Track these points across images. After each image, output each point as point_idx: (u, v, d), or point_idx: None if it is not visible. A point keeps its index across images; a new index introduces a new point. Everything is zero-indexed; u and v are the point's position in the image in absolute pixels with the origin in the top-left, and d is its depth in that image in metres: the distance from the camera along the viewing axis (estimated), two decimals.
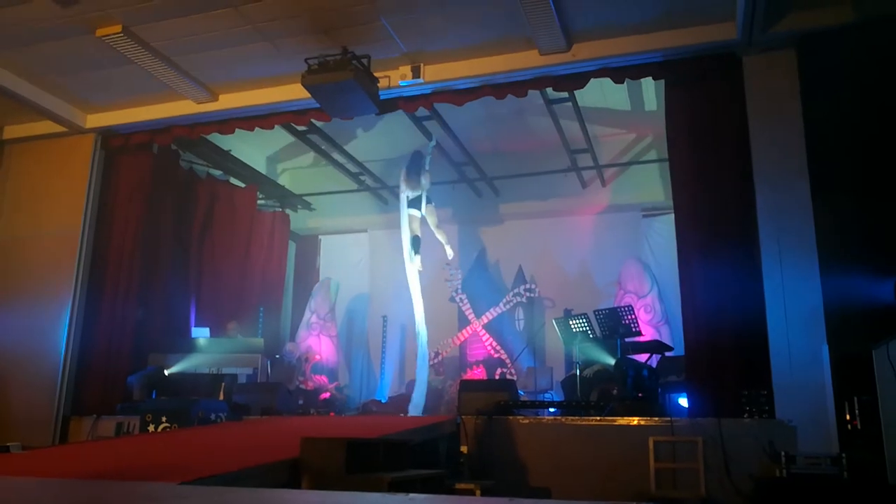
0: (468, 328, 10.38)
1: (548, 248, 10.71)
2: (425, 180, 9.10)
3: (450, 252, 9.58)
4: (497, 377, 9.59)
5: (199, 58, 7.38)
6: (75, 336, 8.08)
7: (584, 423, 5.99)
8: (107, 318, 8.25)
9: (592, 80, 7.29)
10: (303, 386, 9.65)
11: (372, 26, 6.81)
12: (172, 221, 9.24)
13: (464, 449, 5.91)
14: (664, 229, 9.79)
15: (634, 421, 5.84)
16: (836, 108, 6.14)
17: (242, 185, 10.65)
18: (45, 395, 7.79)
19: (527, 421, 6.15)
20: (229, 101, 8.10)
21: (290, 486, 3.59)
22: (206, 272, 9.90)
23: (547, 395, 9.02)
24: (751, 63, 6.63)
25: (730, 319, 6.29)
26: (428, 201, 9.24)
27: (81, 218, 8.34)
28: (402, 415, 8.39)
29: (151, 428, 6.30)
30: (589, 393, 7.18)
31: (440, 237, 9.45)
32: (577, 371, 7.32)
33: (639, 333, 7.34)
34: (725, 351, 6.25)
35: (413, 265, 8.94)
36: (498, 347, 10.14)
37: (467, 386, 6.92)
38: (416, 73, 7.35)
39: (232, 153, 10.09)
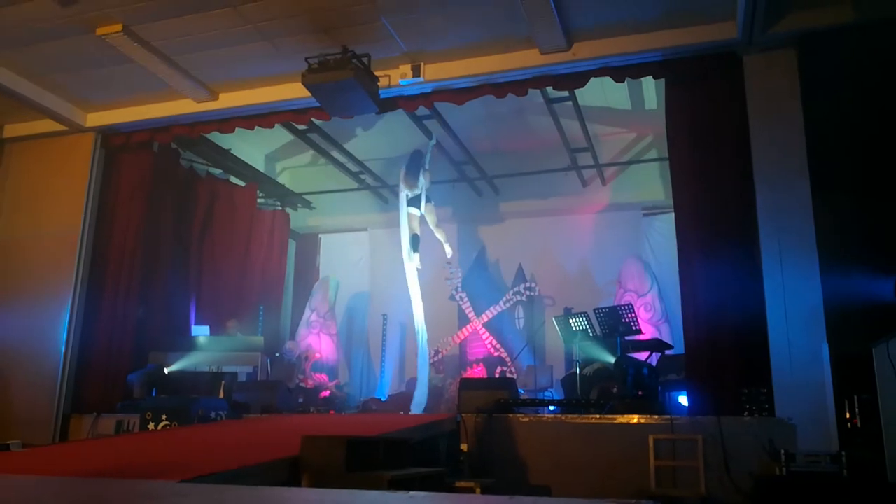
0: (468, 326, 10.38)
1: (548, 247, 10.71)
2: (425, 179, 9.11)
3: (449, 250, 9.58)
4: (497, 375, 9.60)
5: (199, 57, 7.39)
6: (75, 334, 8.09)
7: (584, 421, 5.99)
8: (107, 316, 8.26)
9: (593, 79, 7.29)
10: (303, 384, 9.66)
11: (372, 25, 6.81)
12: (172, 220, 9.24)
13: (464, 447, 5.91)
14: (664, 228, 9.80)
15: (634, 419, 5.85)
16: (836, 107, 6.14)
17: (242, 184, 10.65)
18: (45, 393, 7.80)
19: (527, 419, 6.16)
20: (229, 100, 8.10)
21: (290, 484, 3.60)
22: (207, 271, 9.90)
23: (547, 394, 9.02)
24: (751, 62, 6.63)
25: (730, 318, 6.29)
26: (427, 200, 9.24)
27: (81, 216, 8.34)
28: (401, 413, 8.40)
29: (151, 426, 6.31)
30: (589, 391, 7.18)
31: (439, 236, 9.45)
32: (577, 369, 7.33)
33: (639, 332, 7.35)
34: (725, 349, 6.26)
35: (412, 264, 8.94)
36: (498, 346, 10.14)
37: (467, 384, 6.92)
38: (416, 72, 7.35)
39: (232, 152, 10.08)
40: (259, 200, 10.94)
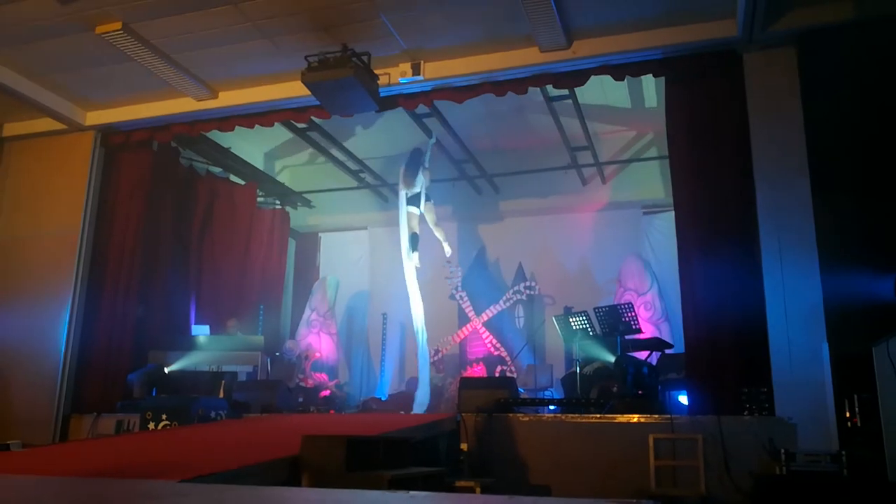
0: (468, 326, 10.38)
1: (548, 246, 10.71)
2: (425, 177, 9.10)
3: (448, 249, 9.58)
4: (497, 375, 9.60)
5: (199, 55, 7.38)
6: (75, 334, 8.08)
7: (584, 420, 5.99)
8: (107, 315, 8.25)
9: (593, 78, 7.28)
10: (303, 383, 9.66)
11: (372, 23, 6.80)
12: (172, 219, 9.23)
13: (464, 446, 5.91)
14: (664, 226, 9.79)
15: (634, 418, 5.85)
16: (836, 105, 6.13)
17: (242, 183, 10.64)
18: (45, 393, 7.80)
19: (527, 418, 6.16)
20: (229, 98, 8.09)
21: (290, 483, 3.60)
22: (206, 270, 9.89)
23: (547, 393, 9.02)
24: (751, 60, 6.62)
25: (730, 317, 6.29)
26: (427, 199, 9.23)
27: (81, 215, 8.33)
28: (402, 412, 8.39)
29: (151, 426, 6.30)
30: (589, 390, 7.18)
31: (438, 235, 9.44)
32: (578, 368, 7.33)
33: (639, 331, 7.34)
34: (725, 348, 6.25)
35: (411, 262, 8.93)
36: (498, 345, 10.14)
37: (467, 383, 6.92)
38: (416, 70, 7.35)
39: (232, 150, 10.07)
40: (259, 199, 10.93)
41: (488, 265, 11.12)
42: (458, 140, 9.75)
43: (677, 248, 6.85)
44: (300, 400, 8.80)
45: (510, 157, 10.56)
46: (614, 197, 10.63)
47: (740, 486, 5.38)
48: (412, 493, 2.72)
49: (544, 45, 6.94)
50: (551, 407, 7.01)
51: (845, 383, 5.33)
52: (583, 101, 8.65)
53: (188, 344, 8.40)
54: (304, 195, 11.75)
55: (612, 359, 7.00)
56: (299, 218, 11.98)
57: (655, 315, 9.49)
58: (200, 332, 9.01)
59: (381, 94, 7.36)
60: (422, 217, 9.22)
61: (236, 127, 8.38)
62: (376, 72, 7.16)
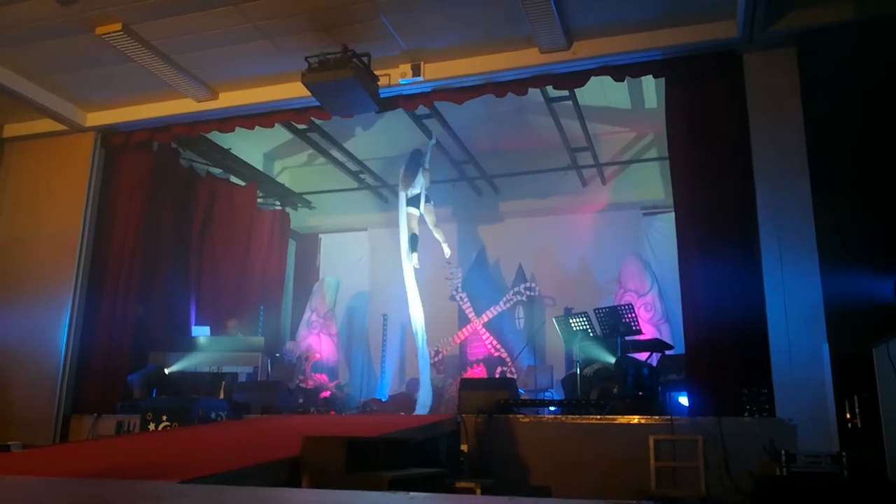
0: (468, 327, 10.38)
1: (548, 247, 10.71)
2: (425, 178, 9.10)
3: (447, 251, 9.57)
4: (497, 376, 9.59)
5: (199, 56, 7.38)
6: (75, 335, 8.08)
7: (584, 421, 5.99)
8: (107, 316, 8.25)
9: (593, 79, 7.28)
10: (303, 384, 9.65)
11: (372, 24, 6.80)
12: (172, 220, 9.24)
13: (464, 447, 5.91)
14: (664, 227, 9.79)
15: (635, 419, 5.85)
16: (836, 106, 6.13)
17: (242, 184, 10.64)
18: (45, 393, 7.79)
19: (527, 419, 6.16)
20: (229, 99, 8.09)
21: (291, 484, 3.59)
22: (207, 271, 9.89)
23: (547, 394, 9.02)
24: (751, 61, 6.62)
25: (730, 317, 6.29)
26: (427, 200, 9.22)
27: (81, 216, 8.33)
28: (402, 413, 8.39)
29: (152, 426, 6.30)
30: (589, 391, 7.17)
31: (438, 236, 9.44)
32: (578, 369, 7.32)
33: (639, 332, 7.34)
34: (725, 349, 6.25)
35: (410, 263, 8.93)
36: (498, 346, 10.13)
37: (467, 384, 6.92)
38: (416, 71, 7.35)
39: (232, 151, 10.08)
40: (259, 200, 10.94)
41: (488, 266, 11.12)
42: (458, 141, 9.75)
43: (677, 249, 6.84)
44: (300, 401, 8.80)
45: (510, 158, 10.56)
46: (614, 198, 10.63)
47: (741, 487, 5.37)
48: (412, 494, 2.72)
49: (544, 46, 6.95)
50: (551, 408, 7.00)
51: (846, 384, 5.33)
52: (583, 102, 8.65)
53: (188, 345, 8.40)
54: (305, 196, 11.76)
55: (612, 360, 7.01)
56: (299, 219, 11.98)
57: (656, 316, 9.49)
58: (201, 332, 9.01)
59: (381, 95, 7.36)
60: (421, 218, 9.21)
61: (236, 128, 8.38)
62: (376, 73, 7.17)
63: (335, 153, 10.43)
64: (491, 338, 10.20)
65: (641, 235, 10.43)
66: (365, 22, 6.77)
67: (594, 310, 7.48)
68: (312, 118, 8.36)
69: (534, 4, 6.31)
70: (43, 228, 8.43)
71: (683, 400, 6.86)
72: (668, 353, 7.60)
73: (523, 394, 8.36)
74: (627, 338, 7.28)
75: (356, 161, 10.65)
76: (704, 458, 5.54)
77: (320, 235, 12.37)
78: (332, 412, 8.80)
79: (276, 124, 8.54)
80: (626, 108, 9.58)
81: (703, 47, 6.73)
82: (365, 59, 6.99)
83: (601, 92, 8.88)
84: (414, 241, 9.03)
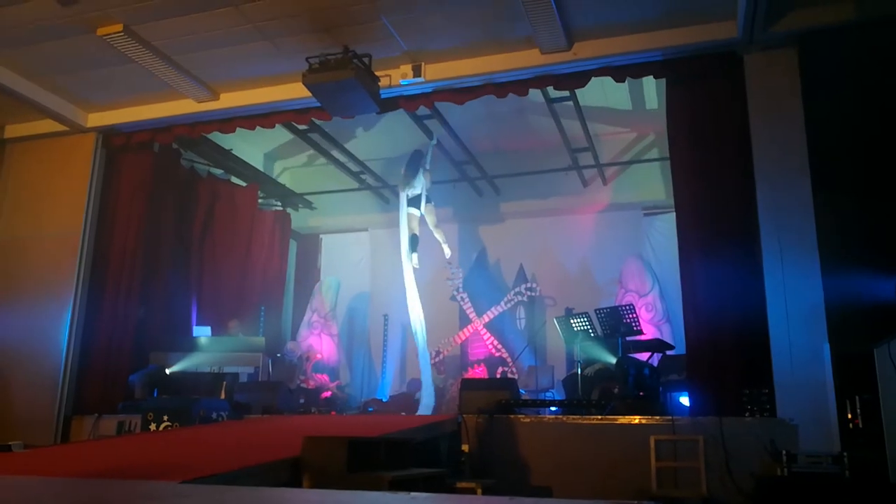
0: (469, 327, 10.38)
1: (549, 247, 10.71)
2: (426, 179, 9.10)
3: (447, 251, 9.58)
4: (498, 376, 9.59)
5: (200, 57, 7.39)
6: (77, 335, 8.08)
7: (585, 421, 5.99)
8: (108, 316, 8.26)
9: (593, 79, 7.28)
10: (304, 385, 9.66)
11: (372, 25, 6.81)
12: (174, 220, 9.24)
13: (465, 448, 5.91)
14: (665, 228, 9.79)
15: (636, 419, 5.85)
16: (836, 106, 6.13)
17: (243, 184, 10.65)
18: (46, 394, 7.80)
19: (528, 420, 6.16)
20: (230, 99, 8.10)
21: (291, 485, 3.60)
22: (208, 271, 9.90)
23: (548, 394, 9.02)
24: (752, 61, 6.62)
25: (731, 318, 6.29)
26: (428, 200, 9.23)
27: (83, 217, 8.34)
28: (403, 413, 8.39)
29: (153, 427, 6.31)
30: (590, 392, 7.17)
31: (438, 236, 9.44)
32: (579, 370, 7.32)
33: (640, 332, 7.34)
34: (726, 349, 6.25)
35: (410, 264, 8.93)
36: (499, 346, 10.14)
37: (468, 385, 6.92)
38: (416, 71, 7.35)
39: (233, 152, 10.08)
40: (260, 201, 10.94)
41: (489, 266, 11.12)
42: (459, 141, 9.76)
43: (678, 249, 6.84)
44: (301, 401, 8.81)
45: (511, 158, 10.56)
46: (615, 198, 10.63)
47: (741, 488, 5.37)
48: (413, 494, 2.72)
49: (545, 47, 6.95)
50: (552, 408, 7.00)
51: (847, 384, 5.32)
52: (583, 102, 8.65)
53: (189, 345, 8.40)
54: (306, 197, 11.76)
55: (613, 360, 7.01)
56: (300, 219, 11.99)
57: (656, 316, 9.49)
58: (202, 333, 9.01)
59: (382, 96, 7.36)
60: (422, 219, 9.22)
61: (237, 128, 8.38)
62: (377, 73, 7.17)
63: (336, 154, 10.44)
64: (492, 338, 10.20)
65: (642, 236, 10.43)
66: (366, 23, 6.78)
67: (595, 310, 7.48)
68: (313, 119, 8.36)
69: (534, 5, 6.32)
70: (44, 229, 8.43)
71: (684, 400, 6.86)
72: (668, 353, 7.60)
73: (524, 394, 8.37)
74: (628, 338, 7.28)
75: (357, 161, 10.66)
76: (705, 459, 5.54)
77: (321, 236, 12.37)
78: (333, 412, 8.81)
79: (276, 125, 8.55)
80: (627, 108, 9.58)
81: (704, 48, 6.73)
82: (366, 60, 6.99)
83: (602, 92, 8.88)
84: (414, 242, 9.03)
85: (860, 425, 5.09)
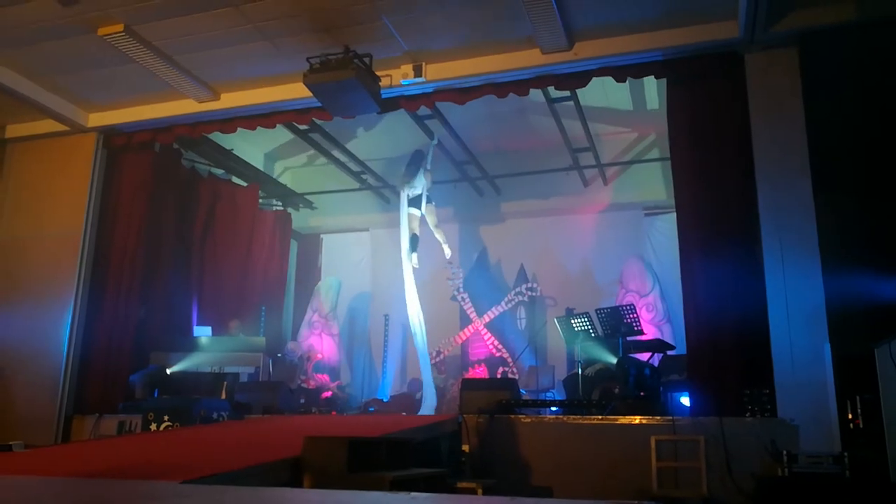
0: (470, 327, 10.38)
1: (549, 247, 10.71)
2: (426, 179, 9.10)
3: (447, 251, 9.59)
4: (499, 376, 9.60)
5: (201, 57, 7.39)
6: (77, 335, 8.09)
7: (585, 421, 5.99)
8: (109, 316, 8.26)
9: (594, 79, 7.28)
10: (304, 385, 9.66)
11: (373, 25, 6.81)
12: (174, 220, 9.25)
13: (465, 448, 5.91)
14: (666, 228, 9.79)
15: (636, 420, 5.84)
16: (837, 106, 6.12)
17: (244, 184, 10.65)
18: (47, 394, 7.80)
19: (528, 420, 6.15)
20: (231, 100, 8.10)
21: (292, 484, 3.60)
22: (208, 271, 9.91)
23: (549, 394, 9.02)
24: (752, 61, 6.62)
25: (731, 318, 6.28)
26: (428, 200, 9.24)
27: (83, 217, 8.34)
28: (403, 413, 8.39)
29: (153, 427, 6.31)
30: (591, 392, 7.17)
31: (438, 236, 9.45)
32: (579, 370, 7.32)
33: (640, 332, 7.34)
34: (727, 350, 6.24)
35: (409, 263, 8.93)
36: (500, 346, 10.14)
37: (469, 385, 6.92)
38: (417, 71, 7.35)
39: (234, 152, 10.09)
40: (260, 200, 10.95)
41: (490, 266, 11.12)
42: (460, 141, 9.76)
43: (679, 250, 6.84)
44: (302, 401, 8.82)
45: (512, 158, 10.56)
46: (616, 198, 10.63)
47: (742, 488, 5.37)
48: (413, 494, 2.72)
49: (546, 47, 6.95)
50: (553, 408, 7.00)
51: (847, 384, 5.32)
52: (584, 102, 8.65)
53: (190, 345, 8.41)
54: (306, 196, 11.77)
55: (613, 360, 7.01)
56: (301, 219, 11.99)
57: (657, 316, 9.49)
58: (202, 333, 9.02)
59: (383, 96, 7.36)
60: (423, 219, 9.22)
61: (238, 128, 8.38)
62: (378, 73, 7.16)
63: (337, 154, 10.44)
64: (492, 338, 10.20)
65: (643, 236, 10.43)
66: (366, 23, 6.78)
67: (596, 310, 7.48)
68: (314, 119, 8.37)
69: (535, 5, 6.31)
70: (45, 229, 8.44)
71: (685, 400, 6.85)
72: (669, 353, 7.59)
73: (525, 394, 8.37)
74: (629, 338, 7.28)
75: (358, 161, 10.66)
76: (706, 459, 5.53)
77: (322, 236, 12.38)
78: (334, 412, 8.81)
79: (277, 125, 8.55)
80: (628, 108, 9.57)
81: (705, 48, 6.72)
82: (366, 60, 6.99)
83: (603, 92, 8.88)
84: (414, 242, 9.03)
85: (861, 425, 5.09)
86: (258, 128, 8.46)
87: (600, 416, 6.02)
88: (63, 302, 8.10)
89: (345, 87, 6.84)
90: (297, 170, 11.80)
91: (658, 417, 5.89)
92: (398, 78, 7.43)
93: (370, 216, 11.82)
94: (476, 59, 7.27)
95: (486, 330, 10.28)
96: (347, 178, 11.20)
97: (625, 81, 7.60)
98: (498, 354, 10.09)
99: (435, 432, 5.59)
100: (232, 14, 6.63)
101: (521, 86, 7.38)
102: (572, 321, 7.54)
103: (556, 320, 7.88)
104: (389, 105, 7.72)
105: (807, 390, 5.67)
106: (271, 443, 4.86)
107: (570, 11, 6.52)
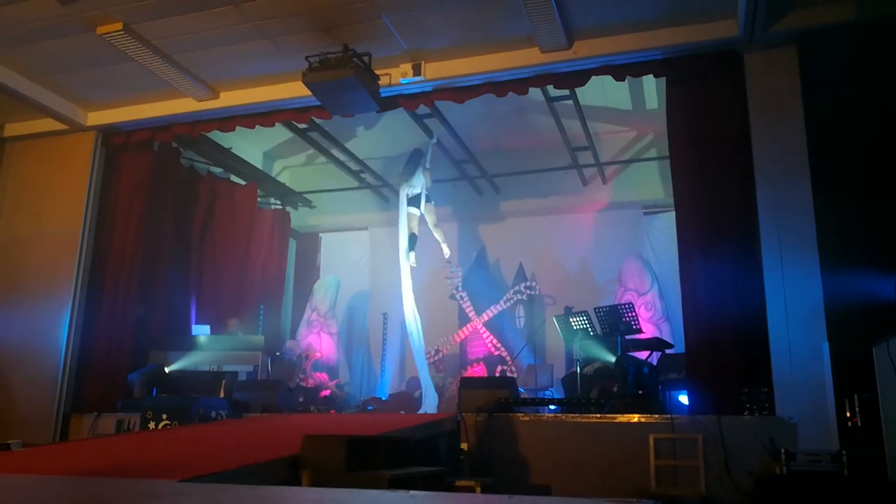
0: (468, 326, 10.38)
1: (548, 246, 10.71)
2: (426, 178, 9.10)
3: (446, 251, 9.58)
4: (497, 374, 9.59)
5: (200, 55, 7.38)
6: (76, 334, 8.09)
7: (584, 420, 6.00)
8: (107, 315, 8.26)
9: (593, 78, 7.28)
10: (303, 383, 9.66)
11: (372, 24, 6.80)
12: (173, 219, 9.24)
13: (464, 446, 5.91)
14: (665, 226, 9.79)
15: (635, 418, 5.85)
16: (836, 106, 6.13)
17: (243, 183, 10.65)
18: (45, 392, 7.80)
19: (527, 418, 6.16)
20: (230, 98, 8.10)
21: (291, 483, 3.60)
22: (207, 270, 9.90)
23: (547, 393, 9.02)
24: (752, 60, 6.62)
25: (730, 317, 6.29)
26: (427, 200, 9.23)
27: (82, 216, 8.34)
28: (402, 412, 8.39)
29: (152, 425, 6.31)
30: (589, 390, 7.18)
31: (437, 236, 9.44)
32: (578, 368, 7.33)
33: (639, 331, 7.34)
34: (726, 348, 6.25)
35: (407, 263, 8.92)
36: (498, 345, 10.13)
37: (468, 383, 6.92)
38: (416, 70, 7.36)
39: (233, 151, 10.08)
40: (259, 199, 10.94)
41: (489, 265, 11.12)
42: (459, 140, 9.75)
43: (678, 249, 6.85)
44: (300, 400, 8.81)
45: (511, 157, 10.56)
46: (615, 197, 10.63)
47: (740, 486, 5.38)
48: (412, 492, 2.72)
49: (545, 46, 6.95)
50: (552, 407, 7.01)
51: (846, 383, 5.33)
52: (583, 101, 8.65)
53: (189, 344, 8.41)
54: (305, 195, 11.76)
55: (612, 359, 7.01)
56: (300, 218, 11.98)
57: (656, 315, 9.49)
58: (201, 331, 9.01)
59: (382, 95, 7.36)
60: (422, 218, 9.22)
61: (237, 127, 8.38)
62: (377, 72, 7.16)
63: (336, 152, 10.43)
64: (491, 337, 10.20)
65: (642, 235, 10.43)
66: (365, 22, 6.78)
67: (594, 309, 7.48)
68: (313, 117, 8.36)
69: (534, 4, 6.32)
70: (43, 228, 8.43)
71: (683, 399, 6.86)
72: (668, 351, 7.59)
73: (523, 392, 8.36)
74: (628, 337, 7.28)
75: (357, 160, 10.65)
76: (704, 457, 5.54)
77: (321, 234, 12.37)
78: (332, 411, 8.81)
79: (276, 123, 8.55)
80: (627, 107, 9.58)
81: (704, 47, 6.73)
82: (366, 59, 6.99)
83: (602, 91, 8.88)
84: (412, 241, 9.02)
85: (859, 424, 5.10)
86: (257, 126, 8.47)
87: (599, 415, 6.02)
88: (62, 300, 8.10)
89: (344, 85, 6.84)
90: (296, 168, 11.80)
91: (656, 416, 5.89)
92: (397, 77, 7.43)
93: (369, 215, 11.82)
94: (475, 57, 7.27)
95: (484, 328, 10.27)
96: (346, 176, 11.20)
97: (624, 80, 7.61)
98: (497, 353, 10.09)
99: (433, 431, 5.60)
100: (231, 12, 6.63)
101: (520, 85, 7.38)
102: (571, 320, 7.55)
103: (554, 319, 7.88)
104: (388, 104, 7.71)
105: (805, 389, 5.68)
106: (270, 441, 4.86)
107: (569, 10, 6.52)
